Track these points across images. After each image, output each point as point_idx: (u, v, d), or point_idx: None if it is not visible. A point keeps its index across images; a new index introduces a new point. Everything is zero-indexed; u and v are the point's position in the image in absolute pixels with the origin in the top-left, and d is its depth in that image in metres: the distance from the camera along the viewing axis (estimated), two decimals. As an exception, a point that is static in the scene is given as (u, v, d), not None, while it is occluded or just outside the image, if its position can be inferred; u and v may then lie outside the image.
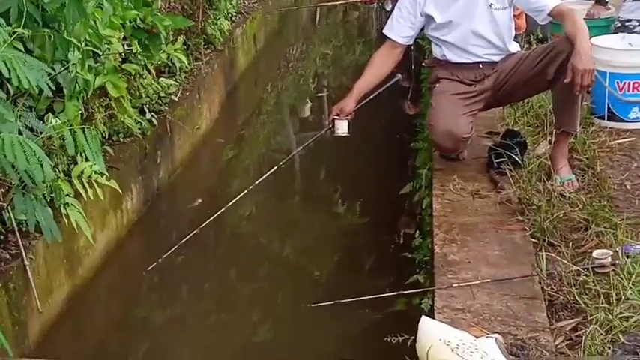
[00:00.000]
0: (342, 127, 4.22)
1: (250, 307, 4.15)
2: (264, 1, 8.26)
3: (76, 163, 3.96)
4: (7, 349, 3.03)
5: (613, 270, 3.22)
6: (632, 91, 4.60)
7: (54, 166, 3.71)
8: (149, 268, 4.00)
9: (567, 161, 4.11)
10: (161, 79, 5.33)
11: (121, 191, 4.28)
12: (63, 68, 3.89)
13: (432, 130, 4.18)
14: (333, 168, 5.67)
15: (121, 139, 4.67)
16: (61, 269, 3.82)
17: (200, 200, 5.04)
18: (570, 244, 3.49)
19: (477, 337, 2.73)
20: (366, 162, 5.67)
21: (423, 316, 2.84)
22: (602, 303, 3.04)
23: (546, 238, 3.53)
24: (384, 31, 4.33)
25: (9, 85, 3.46)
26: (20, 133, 3.33)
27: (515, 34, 4.39)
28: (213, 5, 6.58)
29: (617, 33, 5.22)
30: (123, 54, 4.68)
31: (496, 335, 2.77)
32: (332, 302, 3.45)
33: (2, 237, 3.54)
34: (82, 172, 3.92)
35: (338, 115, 4.22)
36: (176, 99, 5.42)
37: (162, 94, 5.23)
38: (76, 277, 3.96)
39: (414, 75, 6.25)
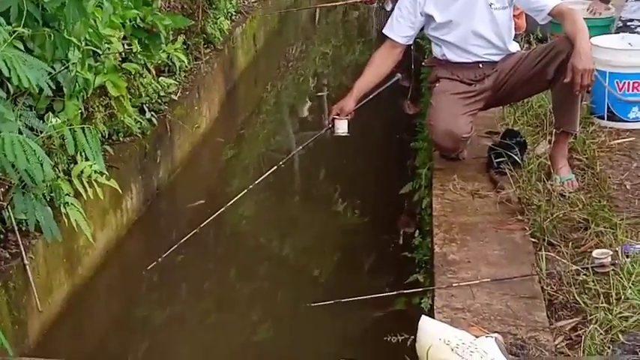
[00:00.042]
0: (341, 127, 4.22)
1: (250, 306, 4.15)
2: (264, 1, 8.26)
3: (75, 163, 3.96)
4: (6, 349, 3.03)
5: (613, 270, 3.22)
6: (632, 90, 4.60)
7: (54, 165, 3.71)
8: (149, 268, 4.00)
9: (567, 161, 4.12)
10: (161, 78, 5.34)
11: (120, 190, 4.28)
12: (63, 67, 3.89)
13: (431, 129, 4.18)
14: (332, 167, 5.67)
15: (121, 139, 4.67)
16: (60, 268, 3.82)
17: (202, 201, 5.03)
18: (570, 243, 3.49)
19: (477, 337, 2.73)
20: (365, 161, 5.66)
21: (423, 316, 2.84)
22: (601, 303, 3.04)
23: (546, 238, 3.53)
24: (384, 31, 4.33)
25: (9, 84, 3.46)
26: (20, 133, 3.33)
27: (515, 34, 4.39)
28: (213, 4, 6.58)
29: (619, 33, 5.23)
30: (123, 53, 4.68)
31: (496, 335, 2.77)
32: (332, 302, 3.45)
33: (2, 236, 3.54)
34: (81, 172, 3.92)
35: (338, 114, 4.22)
36: (176, 98, 5.42)
37: (162, 94, 5.24)
38: (75, 277, 3.96)
39: (413, 74, 6.25)
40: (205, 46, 6.34)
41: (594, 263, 3.28)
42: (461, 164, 4.29)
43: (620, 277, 3.15)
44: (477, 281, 3.26)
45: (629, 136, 4.55)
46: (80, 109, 4.11)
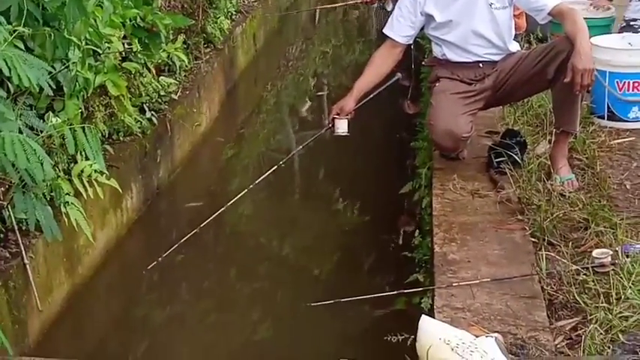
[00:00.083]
0: (341, 127, 4.22)
1: (250, 306, 4.15)
2: (264, 1, 8.26)
3: (76, 162, 3.96)
4: (7, 348, 3.03)
5: (613, 269, 3.22)
6: (632, 90, 4.60)
7: (54, 164, 3.71)
8: (149, 267, 4.00)
9: (567, 161, 4.12)
10: (161, 77, 5.34)
11: (120, 190, 4.28)
12: (63, 67, 3.90)
13: (431, 129, 4.18)
14: (332, 167, 5.67)
15: (121, 138, 4.67)
16: (60, 268, 3.82)
17: (197, 203, 5.03)
18: (570, 243, 3.49)
19: (477, 337, 2.73)
20: (365, 161, 5.66)
21: (423, 316, 2.84)
22: (601, 302, 3.04)
23: (546, 238, 3.53)
24: (384, 31, 4.33)
25: (9, 84, 3.46)
26: (20, 132, 3.33)
27: (516, 34, 4.39)
28: (213, 4, 6.58)
29: (622, 32, 5.24)
30: (123, 53, 4.68)
31: (496, 334, 2.77)
32: (332, 301, 3.45)
33: (2, 235, 3.54)
34: (82, 171, 3.92)
35: (338, 114, 4.22)
36: (176, 98, 5.42)
37: (162, 93, 5.24)
38: (75, 276, 3.96)
39: (413, 74, 6.24)
40: (205, 45, 6.34)
41: (594, 263, 3.28)
42: (461, 164, 4.29)
43: (620, 277, 3.15)
44: (477, 281, 3.26)
45: (629, 135, 4.55)
46: (80, 108, 4.11)
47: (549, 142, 4.29)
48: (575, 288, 3.18)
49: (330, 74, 8.05)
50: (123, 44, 4.63)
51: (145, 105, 4.99)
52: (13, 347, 3.10)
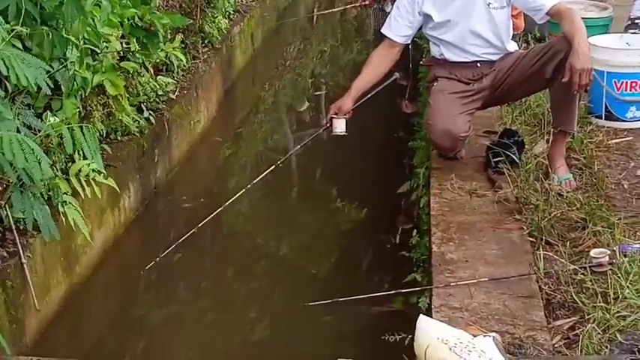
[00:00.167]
0: (339, 126, 4.22)
1: (247, 305, 4.14)
2: (262, 0, 8.25)
3: (73, 161, 3.96)
4: (4, 348, 3.03)
5: (610, 269, 3.22)
6: (630, 90, 4.61)
7: (52, 164, 3.71)
8: (147, 267, 4.00)
9: (565, 160, 4.12)
10: (159, 77, 5.33)
11: (118, 189, 4.28)
12: (61, 66, 3.89)
13: (429, 128, 4.18)
14: (330, 167, 5.67)
15: (119, 137, 4.67)
16: (58, 267, 3.82)
17: (199, 202, 5.03)
18: (568, 243, 3.49)
19: (475, 336, 2.73)
20: (363, 161, 5.66)
21: (421, 315, 2.84)
22: (599, 302, 3.05)
23: (544, 237, 3.54)
24: (382, 30, 4.33)
25: (7, 83, 3.46)
26: (18, 131, 3.33)
27: (514, 34, 4.39)
28: (211, 3, 6.58)
29: (627, 31, 5.26)
30: (121, 52, 4.68)
31: (494, 334, 2.77)
32: (329, 301, 3.46)
33: (0, 235, 3.54)
34: (79, 170, 3.92)
35: (336, 113, 4.22)
36: (174, 97, 5.42)
37: (160, 93, 5.23)
38: (73, 275, 3.96)
39: (411, 74, 6.25)
40: (203, 45, 6.34)
41: (592, 262, 3.28)
42: (459, 163, 4.29)
43: (618, 277, 3.15)
44: (475, 280, 3.26)
45: (627, 135, 4.56)
46: (78, 107, 4.11)
47: (547, 141, 4.29)
48: (573, 287, 3.18)
49: (328, 74, 8.05)
50: (121, 44, 4.62)
51: (142, 104, 4.99)
52: (10, 347, 3.10)
